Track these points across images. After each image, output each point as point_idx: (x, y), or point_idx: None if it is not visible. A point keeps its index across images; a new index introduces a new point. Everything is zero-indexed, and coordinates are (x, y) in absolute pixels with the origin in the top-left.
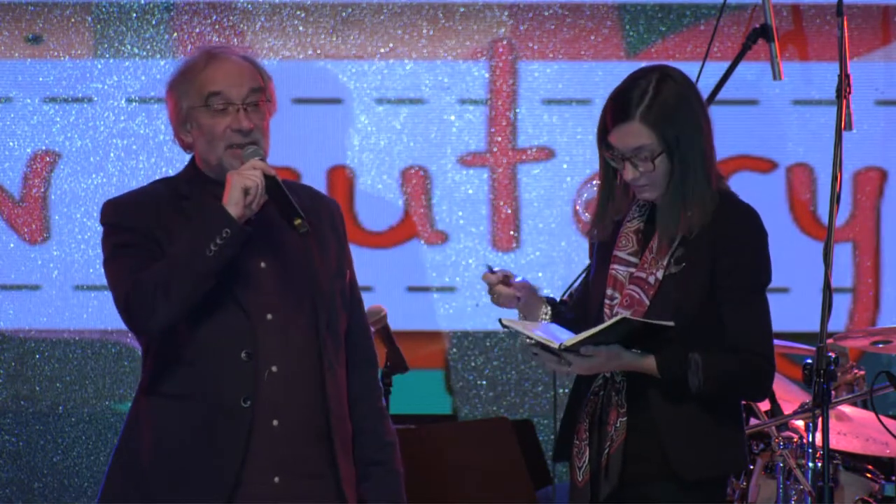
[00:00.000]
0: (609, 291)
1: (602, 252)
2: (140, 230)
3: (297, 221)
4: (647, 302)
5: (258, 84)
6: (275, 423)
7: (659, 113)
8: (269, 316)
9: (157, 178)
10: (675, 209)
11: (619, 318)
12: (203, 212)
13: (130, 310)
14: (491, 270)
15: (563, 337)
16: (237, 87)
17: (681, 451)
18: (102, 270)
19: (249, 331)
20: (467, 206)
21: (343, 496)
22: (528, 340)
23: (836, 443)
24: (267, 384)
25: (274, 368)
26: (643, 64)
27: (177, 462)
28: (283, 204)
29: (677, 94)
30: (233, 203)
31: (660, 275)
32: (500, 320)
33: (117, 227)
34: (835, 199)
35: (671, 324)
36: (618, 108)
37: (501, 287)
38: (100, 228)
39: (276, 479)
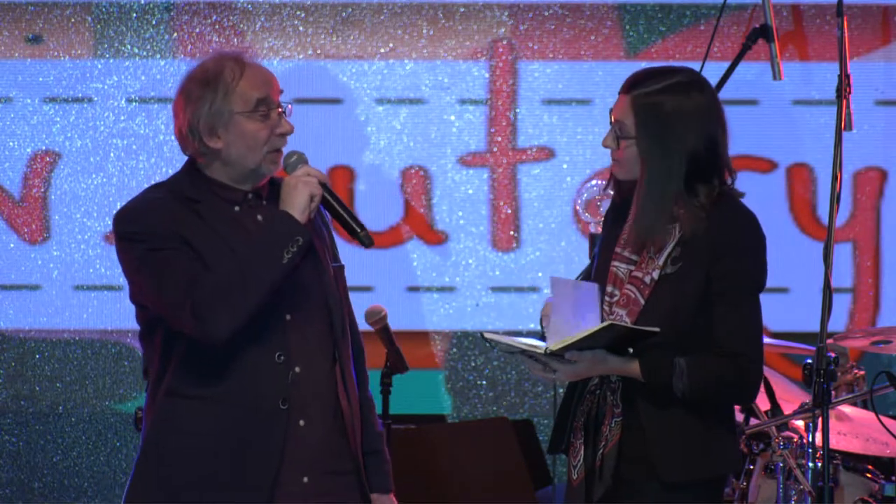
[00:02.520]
0: (609, 289)
1: (604, 247)
2: (165, 233)
3: (363, 233)
4: (643, 301)
5: (280, 88)
6: (301, 423)
7: (650, 106)
8: (288, 316)
9: (157, 178)
10: (643, 209)
11: (606, 324)
12: (258, 218)
13: (200, 315)
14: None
15: (547, 343)
16: (275, 92)
17: (667, 453)
18: (128, 280)
19: (282, 333)
20: (467, 206)
21: (365, 490)
22: (512, 350)
23: (836, 443)
24: (292, 385)
25: (297, 369)
26: (643, 64)
27: (210, 465)
28: (337, 211)
29: (681, 104)
30: (300, 210)
31: (656, 275)
32: (482, 335)
33: (141, 233)
34: (835, 199)
35: (656, 329)
36: (632, 79)
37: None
38: (100, 228)
39: (306, 479)
